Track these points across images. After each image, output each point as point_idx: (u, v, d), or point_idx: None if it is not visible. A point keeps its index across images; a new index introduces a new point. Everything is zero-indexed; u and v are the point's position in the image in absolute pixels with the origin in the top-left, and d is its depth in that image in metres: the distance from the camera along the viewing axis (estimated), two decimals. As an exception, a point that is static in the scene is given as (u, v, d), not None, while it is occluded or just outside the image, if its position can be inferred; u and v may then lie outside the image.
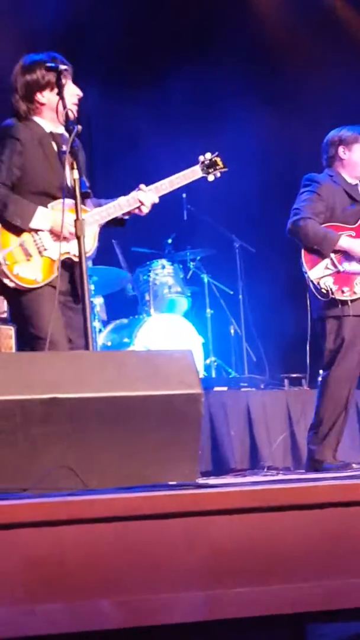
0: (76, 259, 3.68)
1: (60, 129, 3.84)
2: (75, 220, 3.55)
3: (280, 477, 4.43)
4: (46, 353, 3.49)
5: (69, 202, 3.69)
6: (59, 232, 3.65)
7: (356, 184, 4.94)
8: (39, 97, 3.83)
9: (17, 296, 3.75)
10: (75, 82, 3.92)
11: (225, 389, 6.44)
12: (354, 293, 4.69)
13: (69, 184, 3.70)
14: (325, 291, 4.67)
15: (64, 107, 3.67)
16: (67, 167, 3.62)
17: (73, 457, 2.74)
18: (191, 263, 7.25)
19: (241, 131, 7.87)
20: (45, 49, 3.96)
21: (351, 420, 6.26)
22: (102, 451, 2.80)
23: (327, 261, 4.71)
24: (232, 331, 7.21)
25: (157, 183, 4.01)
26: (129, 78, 7.48)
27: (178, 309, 6.94)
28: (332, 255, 4.71)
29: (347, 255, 4.74)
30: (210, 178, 4.22)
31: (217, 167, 4.21)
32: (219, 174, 4.24)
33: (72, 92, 3.85)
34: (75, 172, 3.55)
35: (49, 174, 3.77)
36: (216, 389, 6.36)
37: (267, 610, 2.18)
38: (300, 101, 7.64)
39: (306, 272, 4.74)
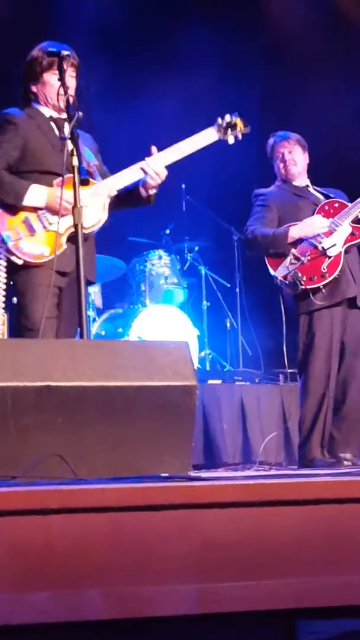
0: (85, 232, 3.69)
1: (63, 115, 3.86)
2: (73, 208, 3.51)
3: (272, 472, 4.42)
4: (40, 340, 3.47)
5: (70, 176, 3.69)
6: (54, 208, 3.68)
7: (305, 185, 5.02)
8: (32, 87, 3.92)
9: (17, 276, 3.75)
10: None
11: (219, 382, 6.42)
12: (323, 277, 4.72)
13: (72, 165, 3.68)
14: (294, 284, 4.71)
15: (65, 92, 3.66)
16: (67, 152, 3.59)
17: (64, 445, 2.71)
18: (188, 254, 7.23)
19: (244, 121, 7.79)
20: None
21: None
22: (94, 441, 2.77)
23: (289, 258, 4.79)
24: (228, 324, 7.18)
25: (164, 150, 3.88)
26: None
27: (174, 300, 6.92)
28: (293, 250, 4.78)
29: (306, 245, 4.78)
30: (230, 140, 3.98)
31: (238, 129, 3.97)
32: (240, 136, 4.00)
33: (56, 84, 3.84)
34: (75, 158, 3.52)
35: (52, 154, 3.82)
36: (210, 382, 6.34)
37: (258, 605, 2.16)
38: (311, 91, 7.62)
39: (273, 275, 4.83)
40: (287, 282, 4.74)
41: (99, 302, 6.75)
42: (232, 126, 3.96)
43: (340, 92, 7.45)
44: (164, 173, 3.86)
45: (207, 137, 3.92)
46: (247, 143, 8.08)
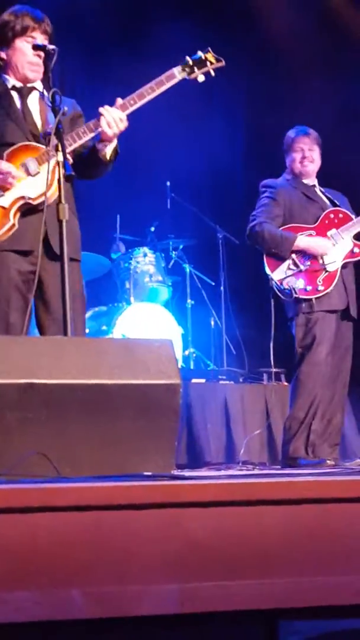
0: (34, 203, 3.59)
1: (28, 84, 3.79)
2: (58, 204, 3.47)
3: (255, 471, 4.42)
4: (24, 337, 3.45)
5: (21, 145, 3.63)
6: None
7: (313, 185, 5.02)
8: (0, 52, 3.80)
9: None
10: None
11: (203, 381, 6.42)
12: (317, 291, 4.74)
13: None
14: (288, 291, 4.72)
15: (49, 88, 3.59)
16: (52, 145, 3.50)
17: (48, 443, 2.70)
18: (173, 252, 7.22)
19: (229, 122, 7.80)
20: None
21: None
22: (78, 439, 2.76)
23: (288, 262, 4.81)
24: (212, 323, 7.18)
25: (125, 98, 3.62)
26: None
27: (158, 298, 6.91)
28: (293, 255, 4.76)
29: (307, 254, 4.79)
30: (200, 79, 3.63)
31: (208, 64, 3.62)
32: (212, 72, 3.64)
33: (27, 51, 3.75)
34: (60, 154, 3.47)
35: (9, 125, 3.72)
36: (194, 380, 6.34)
37: (240, 605, 2.15)
38: (297, 92, 7.62)
39: (269, 275, 4.81)
40: (282, 287, 4.76)
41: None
42: (201, 62, 3.63)
43: (328, 93, 7.45)
44: (124, 122, 3.60)
45: (170, 77, 3.60)
46: (233, 142, 8.09)
